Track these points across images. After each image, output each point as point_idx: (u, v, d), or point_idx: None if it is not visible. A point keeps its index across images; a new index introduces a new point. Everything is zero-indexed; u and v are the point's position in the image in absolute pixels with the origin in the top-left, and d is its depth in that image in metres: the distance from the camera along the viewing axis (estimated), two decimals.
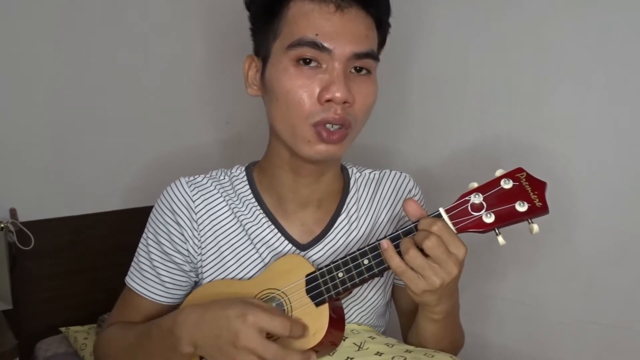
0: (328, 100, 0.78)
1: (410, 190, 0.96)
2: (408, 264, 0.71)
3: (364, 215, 0.93)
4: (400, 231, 0.75)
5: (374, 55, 0.82)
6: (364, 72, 0.81)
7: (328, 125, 0.79)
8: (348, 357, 0.80)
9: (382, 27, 0.85)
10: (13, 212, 1.27)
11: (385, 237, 0.76)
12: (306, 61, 0.79)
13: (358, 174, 0.96)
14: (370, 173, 0.97)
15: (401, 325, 1.00)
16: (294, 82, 0.79)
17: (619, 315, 1.05)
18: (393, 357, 0.79)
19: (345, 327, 0.85)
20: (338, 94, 0.77)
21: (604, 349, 1.08)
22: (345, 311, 0.88)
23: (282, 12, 0.81)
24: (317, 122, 0.79)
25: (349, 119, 0.80)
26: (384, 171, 0.97)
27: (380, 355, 0.80)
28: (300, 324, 0.75)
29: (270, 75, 0.82)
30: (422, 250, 0.71)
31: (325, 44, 0.77)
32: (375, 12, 0.82)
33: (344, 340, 0.83)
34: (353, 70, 0.81)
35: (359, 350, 0.82)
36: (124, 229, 1.25)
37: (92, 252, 1.39)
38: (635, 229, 1.02)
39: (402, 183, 0.96)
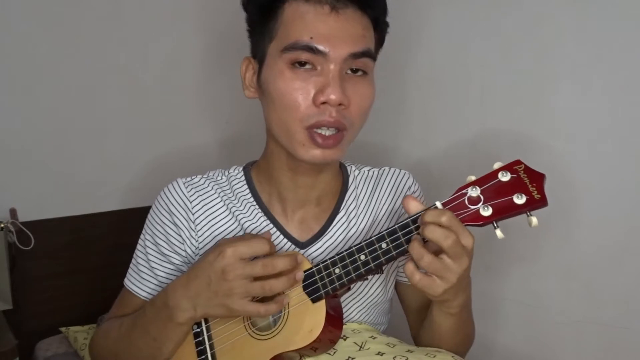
0: (323, 103, 0.77)
1: (409, 187, 0.96)
2: (425, 269, 0.70)
3: (362, 212, 0.93)
4: (396, 225, 0.74)
5: (370, 54, 0.81)
6: (360, 73, 0.81)
7: (323, 130, 0.78)
8: (349, 357, 0.80)
9: (379, 26, 0.84)
10: (13, 212, 1.27)
11: (380, 232, 0.75)
12: (301, 63, 0.78)
13: (357, 172, 0.96)
14: (369, 170, 0.97)
15: (410, 323, 0.99)
16: (288, 84, 0.78)
17: (619, 315, 1.05)
18: (394, 357, 0.79)
19: (346, 327, 0.85)
20: (332, 96, 0.76)
21: (604, 349, 1.08)
22: (344, 309, 0.88)
23: (278, 14, 0.80)
24: (311, 125, 0.78)
25: (344, 122, 0.79)
26: (382, 168, 0.97)
27: (381, 355, 0.80)
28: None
29: (266, 77, 0.82)
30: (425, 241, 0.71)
31: (320, 47, 0.77)
32: (372, 12, 0.81)
33: (345, 339, 0.83)
34: (349, 72, 0.80)
35: (360, 350, 0.82)
36: (124, 229, 1.25)
37: (92, 252, 1.39)
38: (635, 228, 1.02)
39: (401, 180, 0.96)
